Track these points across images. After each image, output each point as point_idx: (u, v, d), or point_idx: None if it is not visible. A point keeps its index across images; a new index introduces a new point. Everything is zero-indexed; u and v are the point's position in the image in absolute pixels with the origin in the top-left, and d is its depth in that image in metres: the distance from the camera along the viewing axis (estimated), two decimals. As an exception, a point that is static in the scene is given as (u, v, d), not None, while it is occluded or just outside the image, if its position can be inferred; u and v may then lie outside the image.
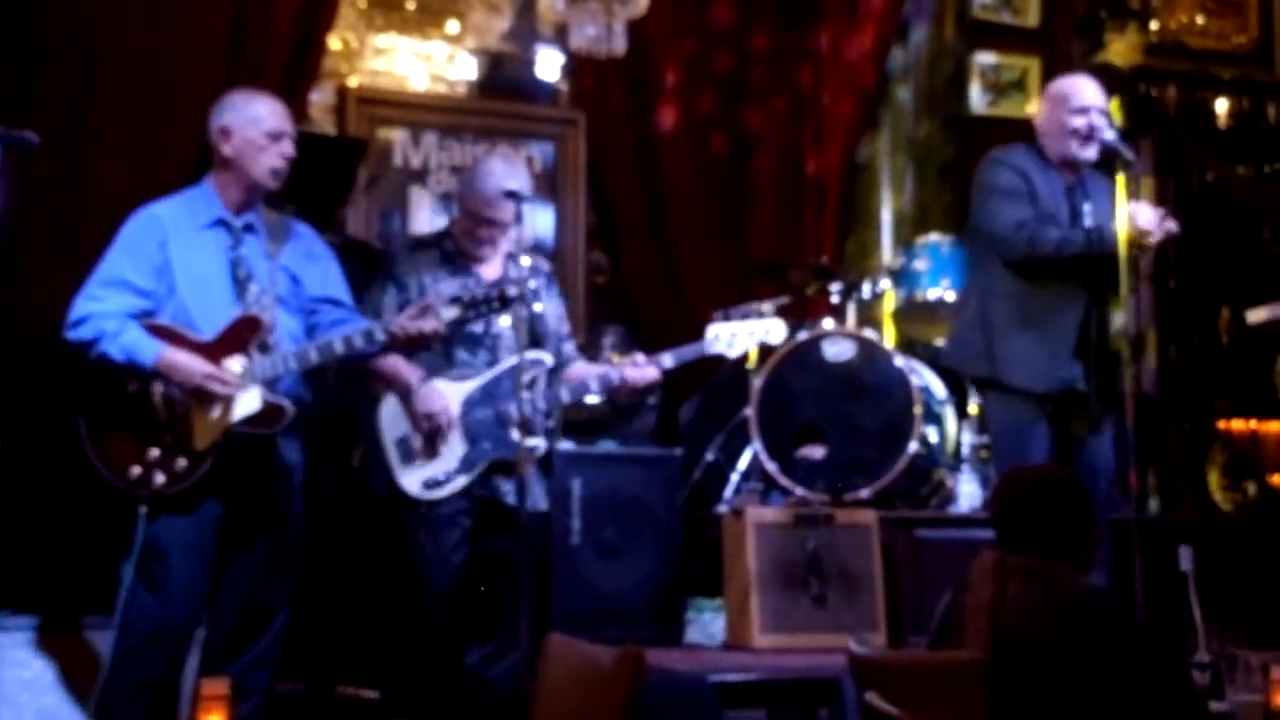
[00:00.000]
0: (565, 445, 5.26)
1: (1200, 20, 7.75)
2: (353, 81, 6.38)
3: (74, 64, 5.10)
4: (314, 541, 4.42)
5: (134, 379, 3.81)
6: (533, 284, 4.27)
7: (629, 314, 6.75)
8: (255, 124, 3.97)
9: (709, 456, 5.89)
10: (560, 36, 6.49)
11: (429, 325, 3.92)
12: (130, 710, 3.77)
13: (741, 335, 4.49)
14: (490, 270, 4.39)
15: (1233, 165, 7.54)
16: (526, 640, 3.71)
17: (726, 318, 4.52)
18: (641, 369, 4.36)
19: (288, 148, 4.01)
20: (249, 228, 4.01)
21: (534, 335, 4.31)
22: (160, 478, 3.77)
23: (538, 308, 4.23)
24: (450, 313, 3.94)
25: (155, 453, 3.78)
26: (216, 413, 3.80)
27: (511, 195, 4.22)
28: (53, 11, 5.12)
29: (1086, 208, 4.69)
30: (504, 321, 4.29)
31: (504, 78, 6.70)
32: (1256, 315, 4.62)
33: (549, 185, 6.66)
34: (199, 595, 3.87)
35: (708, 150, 6.86)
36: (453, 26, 6.60)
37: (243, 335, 3.85)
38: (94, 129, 5.11)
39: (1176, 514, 6.40)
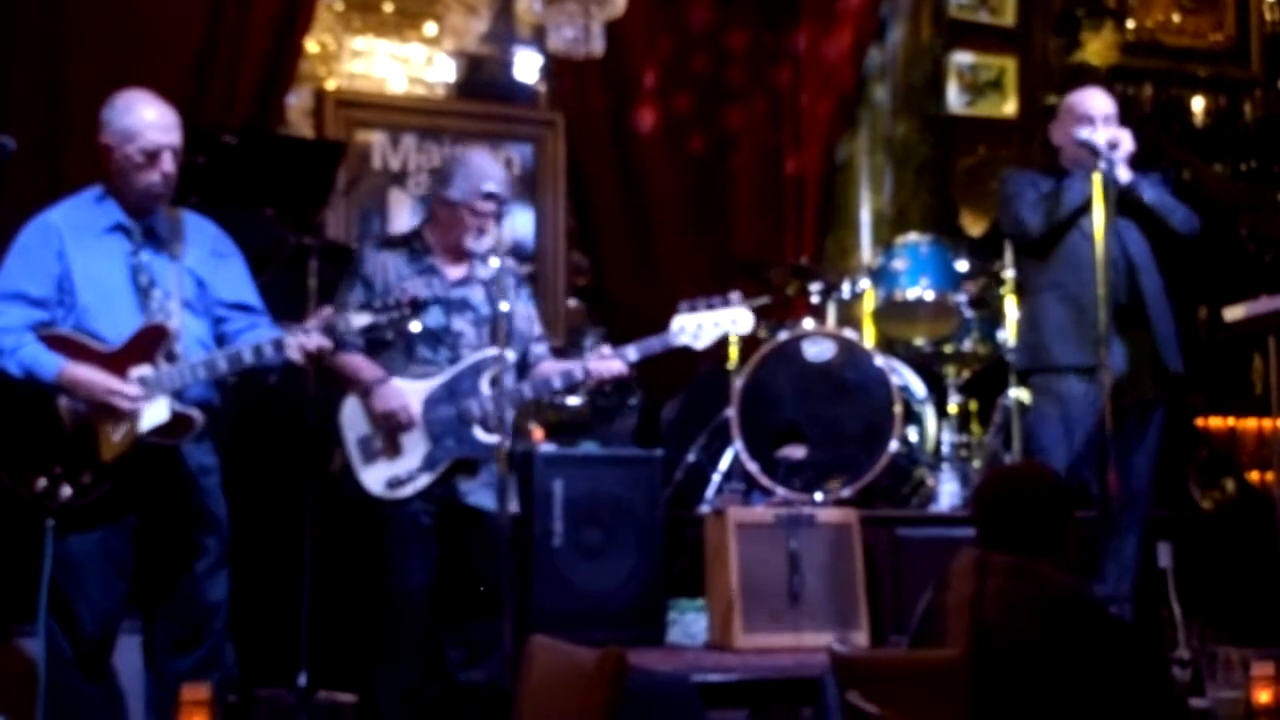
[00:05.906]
0: (547, 447, 5.24)
1: (1176, 18, 7.80)
2: (331, 84, 6.37)
3: (44, 66, 5.08)
4: (294, 547, 4.41)
5: (36, 393, 3.66)
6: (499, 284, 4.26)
7: (609, 315, 6.75)
8: (131, 140, 3.77)
9: (691, 457, 5.88)
10: (538, 38, 6.49)
11: (327, 344, 3.82)
12: (76, 716, 3.69)
13: (707, 326, 4.43)
14: (456, 271, 4.36)
15: (1209, 163, 7.58)
16: (509, 642, 3.70)
17: (693, 308, 4.47)
18: (606, 361, 4.33)
19: (167, 164, 3.80)
20: (149, 231, 3.86)
21: (497, 334, 4.27)
22: (67, 490, 3.65)
23: (504, 307, 4.18)
24: (361, 320, 3.87)
25: (60, 466, 3.66)
26: (124, 425, 3.69)
27: (491, 197, 4.23)
28: (22, 14, 5.10)
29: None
30: (458, 324, 4.29)
31: (482, 80, 6.70)
32: (1234, 313, 4.63)
33: (528, 187, 6.65)
34: (115, 605, 3.78)
35: (687, 150, 6.87)
36: (430, 29, 6.60)
37: (149, 344, 3.72)
38: (66, 131, 5.08)
39: (1155, 511, 6.43)
